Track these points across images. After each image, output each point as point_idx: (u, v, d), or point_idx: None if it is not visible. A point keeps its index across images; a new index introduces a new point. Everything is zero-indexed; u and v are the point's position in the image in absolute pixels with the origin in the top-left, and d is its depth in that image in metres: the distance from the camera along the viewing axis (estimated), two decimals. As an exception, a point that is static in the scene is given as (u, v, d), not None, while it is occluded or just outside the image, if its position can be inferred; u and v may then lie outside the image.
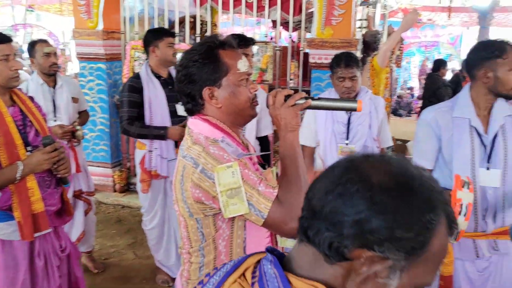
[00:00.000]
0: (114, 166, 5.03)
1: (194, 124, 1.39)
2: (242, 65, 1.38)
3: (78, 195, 3.29)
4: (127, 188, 5.03)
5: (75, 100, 3.32)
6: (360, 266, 0.64)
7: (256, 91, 1.42)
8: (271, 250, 0.73)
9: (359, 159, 0.69)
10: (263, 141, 3.05)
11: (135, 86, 3.04)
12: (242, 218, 1.34)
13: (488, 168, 1.91)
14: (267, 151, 3.06)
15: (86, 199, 3.36)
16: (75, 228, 3.31)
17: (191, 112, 1.43)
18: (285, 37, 9.20)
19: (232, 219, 1.35)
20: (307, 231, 0.67)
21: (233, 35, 2.79)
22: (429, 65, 11.31)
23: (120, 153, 5.12)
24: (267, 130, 3.03)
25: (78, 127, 3.20)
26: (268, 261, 0.69)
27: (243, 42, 2.67)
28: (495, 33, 11.34)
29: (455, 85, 7.02)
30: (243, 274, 0.71)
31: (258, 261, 0.72)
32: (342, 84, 2.61)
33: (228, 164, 1.27)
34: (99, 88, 4.85)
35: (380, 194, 0.63)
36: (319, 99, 1.34)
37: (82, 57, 4.87)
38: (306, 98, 1.32)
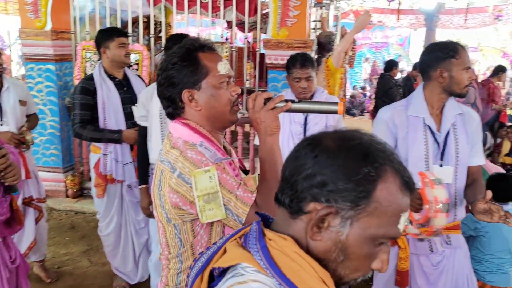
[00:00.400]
0: (66, 170, 4.85)
1: (174, 128, 1.37)
2: (222, 67, 1.36)
3: (28, 202, 3.14)
4: (81, 193, 4.87)
5: (22, 103, 3.16)
6: (315, 217, 0.74)
7: (238, 93, 1.39)
8: (264, 216, 0.88)
9: (318, 133, 0.81)
10: None
11: (88, 88, 2.94)
12: (220, 224, 1.32)
13: (441, 165, 1.99)
14: None
15: (37, 206, 3.21)
16: (25, 236, 3.16)
17: (171, 116, 1.40)
18: (240, 38, 9.20)
19: (211, 225, 1.33)
20: (277, 195, 0.81)
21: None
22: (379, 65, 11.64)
23: (73, 157, 4.94)
24: None
25: (26, 132, 3.06)
26: (256, 222, 0.83)
27: None
28: (440, 35, 11.84)
29: (410, 85, 7.25)
30: (242, 236, 0.84)
31: None
32: (298, 84, 2.64)
33: (205, 168, 1.24)
34: (48, 90, 4.66)
35: (323, 153, 0.75)
36: (299, 101, 1.33)
37: (30, 58, 4.66)
38: (286, 101, 1.31)
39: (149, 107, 2.67)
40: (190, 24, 5.74)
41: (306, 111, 1.38)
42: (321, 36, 4.29)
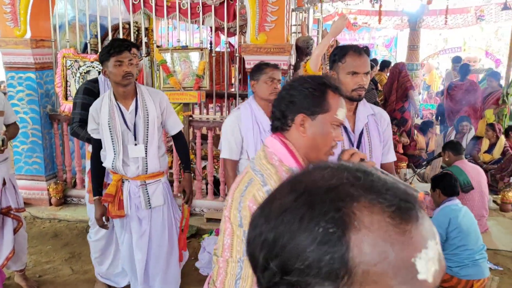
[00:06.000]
0: (49, 178, 4.84)
1: (271, 142, 1.45)
2: (341, 112, 1.45)
3: (6, 212, 3.14)
4: (64, 201, 4.86)
5: (0, 113, 3.16)
6: None
7: (339, 141, 1.48)
8: None
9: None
10: None
11: (92, 89, 2.93)
12: None
13: None
14: None
15: (16, 216, 3.21)
16: (4, 247, 3.16)
17: (275, 129, 1.48)
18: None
19: None
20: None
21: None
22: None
23: (55, 165, 4.93)
24: None
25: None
26: None
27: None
28: (426, 35, 11.92)
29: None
30: None
31: None
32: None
33: None
34: (29, 98, 4.66)
35: (267, 221, 0.58)
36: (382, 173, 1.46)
37: (10, 67, 4.65)
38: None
39: (98, 119, 2.64)
40: (179, 28, 5.78)
41: None
42: (299, 40, 4.32)
